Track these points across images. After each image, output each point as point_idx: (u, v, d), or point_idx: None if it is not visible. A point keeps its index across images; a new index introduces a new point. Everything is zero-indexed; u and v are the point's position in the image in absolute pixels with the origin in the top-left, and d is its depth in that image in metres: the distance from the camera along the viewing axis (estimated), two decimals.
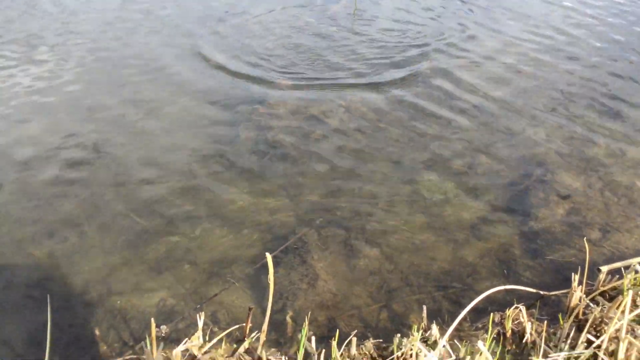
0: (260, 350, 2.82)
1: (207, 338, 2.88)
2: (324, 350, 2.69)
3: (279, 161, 4.71)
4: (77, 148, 4.83)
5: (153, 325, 2.69)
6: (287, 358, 2.80)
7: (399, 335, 2.83)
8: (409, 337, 2.83)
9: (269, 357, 2.79)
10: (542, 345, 2.73)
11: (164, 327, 3.07)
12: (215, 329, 3.13)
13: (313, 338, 2.72)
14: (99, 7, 8.19)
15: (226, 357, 2.82)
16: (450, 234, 3.99)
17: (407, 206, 4.23)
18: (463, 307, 3.24)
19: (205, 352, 2.78)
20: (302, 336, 2.65)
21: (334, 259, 3.69)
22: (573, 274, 3.12)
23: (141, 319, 3.24)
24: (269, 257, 2.57)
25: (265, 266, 3.61)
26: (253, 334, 2.93)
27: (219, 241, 3.88)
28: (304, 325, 2.65)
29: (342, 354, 2.80)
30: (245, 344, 2.90)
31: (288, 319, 3.22)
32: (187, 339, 2.80)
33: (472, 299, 3.18)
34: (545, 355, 2.75)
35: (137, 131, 5.13)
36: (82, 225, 3.97)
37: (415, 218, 4.12)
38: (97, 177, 4.45)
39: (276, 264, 3.61)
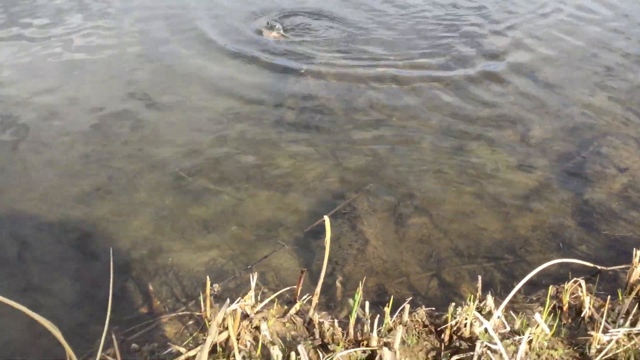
0: (312, 313, 2.80)
1: (258, 298, 2.88)
2: (377, 316, 2.67)
3: (325, 126, 4.65)
4: (125, 107, 4.84)
5: (208, 283, 2.70)
6: (337, 322, 2.78)
7: (453, 304, 2.78)
8: (461, 306, 2.78)
9: (321, 320, 2.77)
10: (603, 321, 2.65)
11: (216, 286, 3.08)
12: (265, 290, 3.14)
13: (367, 303, 2.69)
14: None
15: (277, 317, 2.82)
16: (501, 204, 3.90)
17: (456, 175, 4.14)
18: (515, 279, 3.19)
19: (258, 312, 2.78)
20: (354, 301, 2.62)
21: (384, 225, 3.64)
22: (634, 249, 3.01)
23: (192, 276, 3.26)
24: (327, 219, 2.53)
25: (312, 231, 3.60)
26: (304, 297, 2.92)
27: (266, 204, 3.87)
28: (357, 290, 2.62)
29: (394, 320, 2.78)
30: (297, 306, 2.90)
31: (337, 283, 3.20)
32: (239, 297, 2.80)
33: (524, 271, 3.12)
34: (605, 330, 2.67)
35: (183, 93, 5.11)
36: (132, 181, 3.99)
37: (465, 187, 4.04)
38: (146, 136, 4.47)
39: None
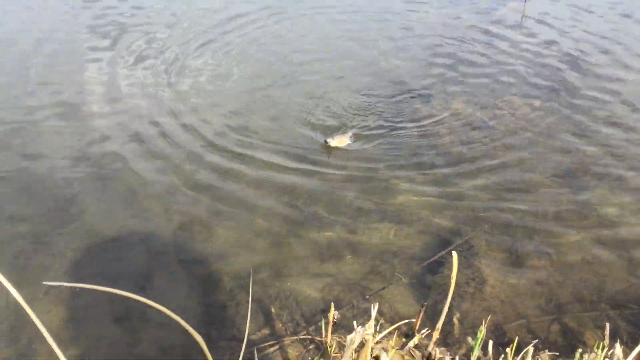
0: (432, 347, 2.82)
1: (377, 329, 2.94)
2: (501, 356, 2.65)
3: (441, 162, 4.69)
4: (242, 139, 5.11)
5: (332, 309, 2.80)
6: (458, 358, 2.78)
7: (579, 350, 2.71)
8: (587, 353, 2.70)
9: (440, 356, 2.78)
10: None
11: (335, 313, 3.17)
12: (382, 322, 3.19)
13: (491, 342, 2.68)
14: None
15: (396, 349, 2.86)
16: (625, 251, 3.75)
17: (577, 218, 4.03)
18: None
19: (377, 342, 2.83)
20: (477, 339, 2.63)
21: (501, 265, 3.60)
22: None
23: (310, 302, 3.38)
24: (455, 255, 2.57)
25: (427, 265, 3.62)
26: (422, 331, 2.95)
27: (379, 236, 3.94)
28: (480, 329, 2.62)
29: None
30: (416, 339, 2.93)
31: (455, 320, 3.20)
32: (360, 326, 2.87)
33: None
34: None
35: (304, 121, 5.33)
36: (252, 210, 4.19)
37: (587, 231, 3.92)
38: (260, 166, 4.69)
39: (441, 264, 3.61)
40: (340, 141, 4.86)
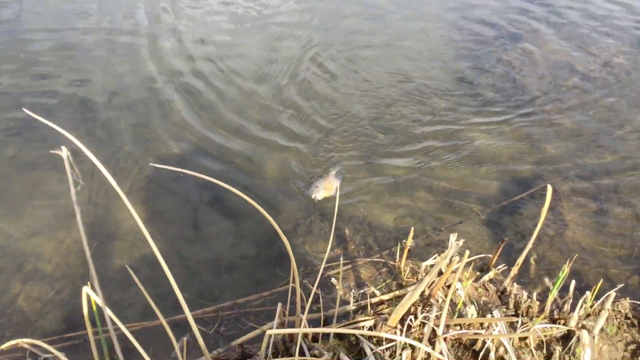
0: (509, 283, 2.78)
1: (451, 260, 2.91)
2: (580, 299, 2.58)
3: (524, 105, 4.51)
4: (316, 71, 5.06)
5: (411, 233, 2.78)
6: (534, 296, 2.72)
7: None
8: None
9: (516, 292, 2.74)
10: None
11: (410, 240, 3.16)
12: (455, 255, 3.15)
13: (573, 283, 2.61)
14: None
15: (471, 281, 2.83)
16: None
17: None
18: None
19: (452, 272, 2.81)
20: (558, 279, 2.56)
21: (584, 212, 3.48)
22: None
23: (383, 229, 3.36)
24: (549, 188, 2.48)
25: (505, 206, 3.54)
26: (499, 266, 2.90)
27: (455, 174, 3.86)
28: (563, 268, 2.55)
29: (594, 307, 2.66)
30: (491, 274, 2.89)
31: (532, 260, 3.13)
32: (436, 255, 2.85)
33: None
34: None
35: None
36: (326, 136, 4.17)
37: None
38: (344, 89, 4.64)
39: (521, 205, 3.52)
40: (327, 189, 3.68)
